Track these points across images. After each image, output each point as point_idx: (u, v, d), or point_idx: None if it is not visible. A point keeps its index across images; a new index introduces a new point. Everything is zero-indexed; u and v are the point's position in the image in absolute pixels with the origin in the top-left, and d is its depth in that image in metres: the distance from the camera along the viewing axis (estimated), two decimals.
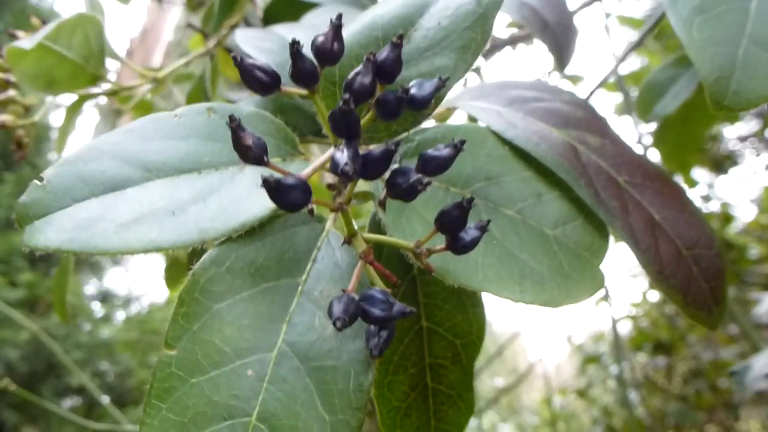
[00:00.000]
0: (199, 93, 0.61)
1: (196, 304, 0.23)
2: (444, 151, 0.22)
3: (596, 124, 0.33)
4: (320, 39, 0.23)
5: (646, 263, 0.28)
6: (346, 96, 0.20)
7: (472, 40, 0.27)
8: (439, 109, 0.35)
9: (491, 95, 0.35)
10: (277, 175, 0.22)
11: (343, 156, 0.20)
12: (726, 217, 1.61)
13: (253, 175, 0.28)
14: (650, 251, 0.28)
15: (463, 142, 0.22)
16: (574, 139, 0.31)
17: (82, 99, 0.53)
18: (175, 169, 0.27)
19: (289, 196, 0.20)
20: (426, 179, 0.21)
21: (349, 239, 0.23)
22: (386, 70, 0.22)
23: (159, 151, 0.27)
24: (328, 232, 0.25)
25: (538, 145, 0.29)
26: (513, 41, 0.46)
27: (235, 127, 0.21)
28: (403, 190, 0.21)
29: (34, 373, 2.59)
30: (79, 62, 0.48)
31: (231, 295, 0.23)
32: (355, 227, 0.24)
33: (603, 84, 0.91)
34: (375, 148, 0.21)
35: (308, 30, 0.39)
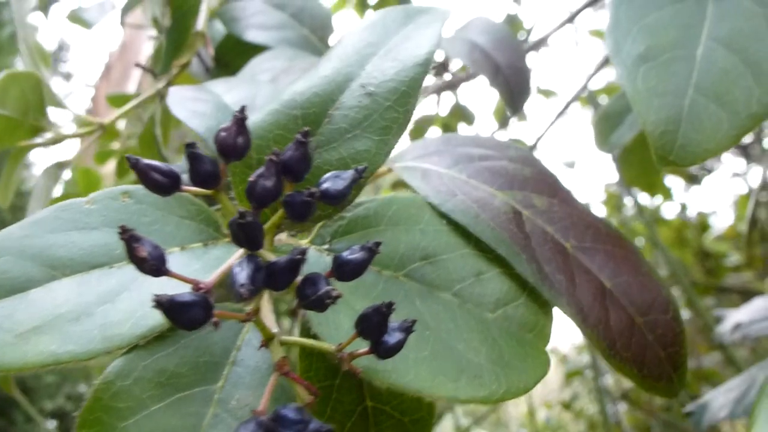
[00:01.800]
0: (151, 137, 0.59)
1: (100, 425, 0.21)
2: (358, 255, 0.20)
3: (544, 183, 0.31)
4: (222, 134, 0.21)
5: (596, 339, 0.26)
6: (242, 211, 0.18)
7: (394, 120, 0.25)
8: (381, 169, 0.34)
9: (435, 153, 0.33)
10: (179, 286, 0.20)
11: (241, 274, 0.18)
12: (703, 226, 1.61)
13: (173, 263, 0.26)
14: (600, 325, 0.26)
15: (378, 244, 0.20)
16: (520, 203, 0.29)
17: (22, 150, 0.50)
18: (84, 264, 0.25)
19: (185, 316, 0.18)
20: (335, 292, 0.19)
21: (266, 343, 0.21)
22: (292, 170, 0.20)
23: (66, 245, 0.25)
24: (249, 328, 0.23)
25: (477, 218, 0.28)
26: (455, 83, 0.44)
27: (128, 238, 0.19)
28: (311, 302, 0.19)
29: (5, 398, 2.53)
30: (16, 117, 0.46)
31: (139, 411, 0.21)
32: (275, 330, 0.22)
33: (576, 99, 0.90)
34: (280, 258, 0.19)
35: (246, 87, 0.37)
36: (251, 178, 0.20)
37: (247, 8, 0.50)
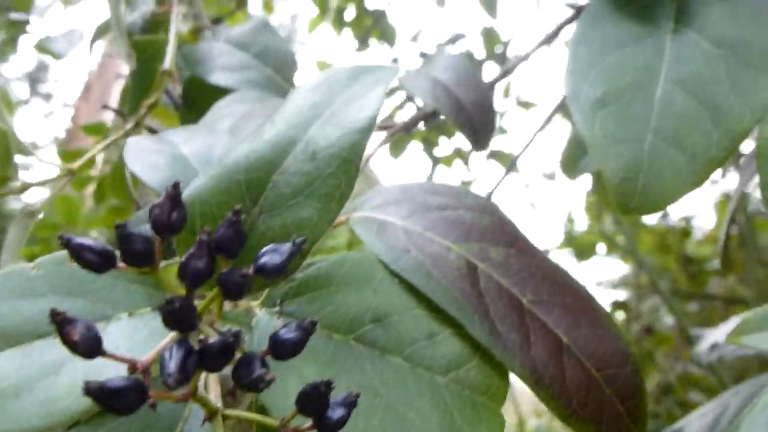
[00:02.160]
0: (122, 177, 0.58)
1: None
2: (295, 334, 0.19)
3: (502, 232, 0.31)
4: (156, 211, 0.20)
5: (551, 399, 0.25)
6: (169, 298, 0.17)
7: (335, 187, 0.24)
8: (340, 218, 0.33)
9: (393, 203, 0.32)
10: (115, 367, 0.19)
11: (169, 363, 0.17)
12: (685, 232, 1.61)
13: (115, 336, 0.25)
14: (556, 384, 0.25)
15: (314, 324, 0.19)
16: (476, 256, 0.29)
17: None
18: (28, 335, 0.24)
19: (117, 402, 0.17)
20: (269, 376, 0.18)
21: (210, 418, 0.20)
22: (225, 248, 0.20)
23: (10, 314, 0.24)
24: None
25: (429, 277, 0.27)
26: (414, 122, 0.44)
27: (59, 321, 0.18)
28: (246, 384, 0.18)
29: None
30: None
31: None
32: (218, 405, 0.21)
33: (557, 112, 0.90)
34: (213, 341, 0.18)
35: (204, 137, 0.36)
36: (182, 259, 0.19)
37: (211, 50, 0.49)
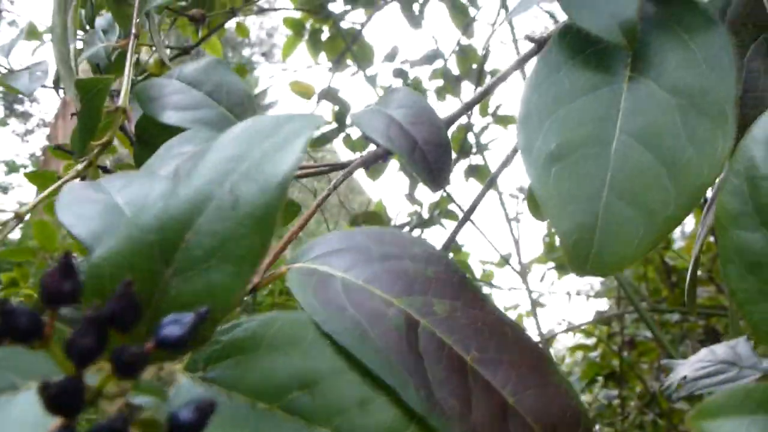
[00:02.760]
0: None
1: None
2: (193, 416, 0.17)
3: (448, 284, 0.29)
4: (46, 279, 0.18)
5: None
6: (45, 381, 0.15)
7: (250, 249, 0.22)
8: (281, 269, 0.31)
9: (336, 252, 0.30)
10: None
11: None
12: (667, 241, 1.61)
13: (22, 409, 0.22)
14: None
15: (212, 405, 0.17)
16: (418, 311, 0.27)
17: None
18: None
19: None
20: None
21: None
22: (117, 322, 0.18)
23: None
24: None
25: (364, 338, 0.25)
26: (373, 159, 0.42)
27: None
28: None
29: None
30: None
31: None
32: None
33: None
34: (101, 423, 0.16)
35: (141, 184, 0.34)
36: (68, 337, 0.17)
37: (163, 87, 0.47)
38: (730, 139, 0.27)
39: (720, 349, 0.60)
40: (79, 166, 0.52)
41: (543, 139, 0.28)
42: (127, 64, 0.56)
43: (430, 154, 0.39)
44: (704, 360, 0.59)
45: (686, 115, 0.28)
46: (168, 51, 0.86)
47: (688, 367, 0.58)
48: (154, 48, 0.85)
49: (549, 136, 0.28)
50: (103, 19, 0.75)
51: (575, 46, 0.31)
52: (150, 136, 0.51)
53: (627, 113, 0.29)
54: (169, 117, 0.46)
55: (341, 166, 0.49)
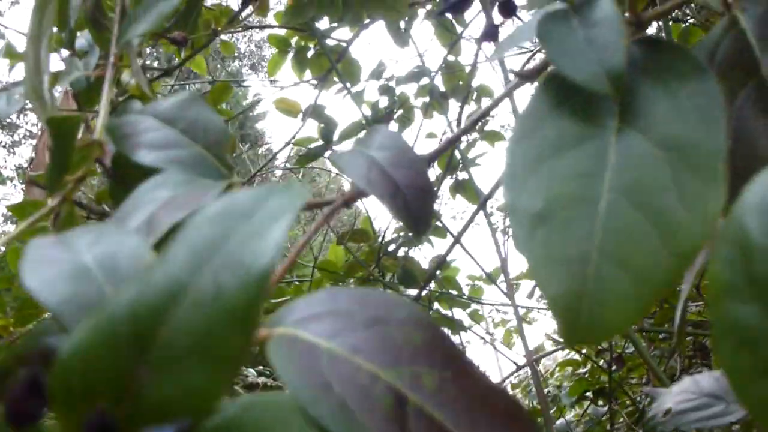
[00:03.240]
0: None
1: None
2: None
3: (437, 351, 0.27)
4: (10, 397, 0.16)
5: None
6: None
7: (229, 348, 0.20)
8: (261, 333, 0.29)
9: (317, 317, 0.28)
10: None
11: None
12: None
13: None
14: None
15: None
16: (406, 384, 0.25)
17: None
18: None
19: None
20: None
21: None
22: (18, 419, 0.16)
23: None
24: None
25: (352, 420, 0.23)
26: (352, 198, 0.40)
27: None
28: None
29: None
30: None
31: None
32: None
33: None
34: None
35: (110, 240, 0.32)
36: None
37: (138, 124, 0.45)
38: (722, 197, 0.26)
39: (704, 380, 0.59)
40: (53, 202, 0.51)
41: (528, 198, 0.27)
42: (104, 96, 0.54)
43: (413, 199, 0.38)
44: (688, 391, 0.58)
45: (676, 171, 0.27)
46: (147, 72, 0.84)
47: (672, 398, 0.57)
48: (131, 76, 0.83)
49: (534, 194, 0.27)
50: (83, 39, 0.73)
51: (561, 94, 0.30)
52: (126, 173, 0.49)
53: (615, 169, 0.27)
54: (143, 156, 0.44)
55: (327, 203, 0.48)
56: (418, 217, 0.38)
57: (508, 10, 0.30)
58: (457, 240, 0.74)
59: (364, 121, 1.40)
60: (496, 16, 0.33)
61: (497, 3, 0.30)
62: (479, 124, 1.57)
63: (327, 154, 1.38)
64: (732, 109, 0.30)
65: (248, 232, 0.23)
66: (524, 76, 0.44)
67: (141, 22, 0.49)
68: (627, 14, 0.35)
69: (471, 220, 0.66)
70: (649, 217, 0.26)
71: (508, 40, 0.32)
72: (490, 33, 0.31)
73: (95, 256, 0.31)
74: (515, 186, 0.27)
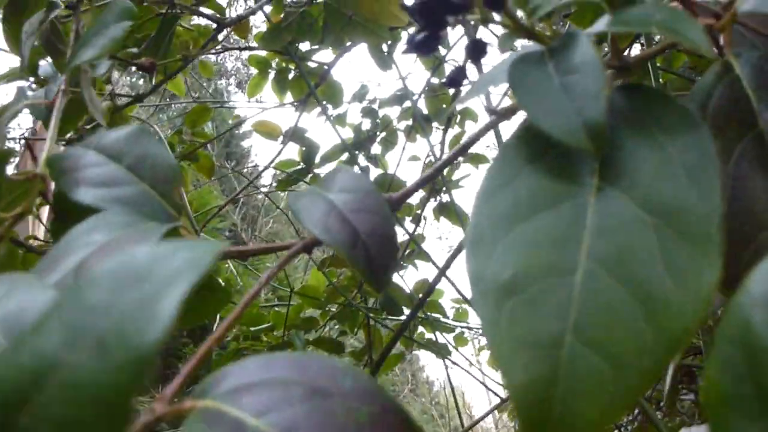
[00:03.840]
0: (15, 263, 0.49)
1: None
2: None
3: (385, 429, 0.23)
4: None
5: None
6: None
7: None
8: (185, 405, 0.25)
9: (250, 388, 0.24)
10: None
11: None
12: None
13: None
14: None
15: None
16: None
17: None
18: None
19: None
20: None
21: None
22: None
23: None
24: None
25: None
26: (310, 246, 0.37)
27: None
28: None
29: None
30: None
31: None
32: None
33: None
34: None
35: (21, 295, 0.28)
36: None
37: (80, 158, 0.41)
38: (717, 269, 0.23)
39: None
40: None
41: (495, 267, 0.23)
42: (52, 126, 0.50)
43: (374, 249, 0.34)
44: None
45: (664, 239, 0.23)
46: (117, 98, 0.80)
47: None
48: (105, 94, 0.80)
49: (502, 262, 0.23)
50: (46, 64, 0.70)
51: (534, 147, 0.26)
52: (68, 210, 0.45)
53: (594, 234, 0.24)
54: (83, 195, 0.40)
55: (284, 247, 0.44)
56: (379, 269, 0.34)
57: (477, 53, 0.27)
58: (442, 273, 0.71)
59: (343, 146, 1.37)
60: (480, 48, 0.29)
61: (466, 45, 0.27)
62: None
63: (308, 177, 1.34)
64: (727, 167, 0.26)
65: (138, 300, 0.19)
66: (500, 114, 0.40)
67: (90, 47, 0.45)
68: (608, 56, 0.32)
69: (457, 251, 0.63)
70: (633, 292, 0.22)
71: (477, 85, 0.29)
72: (455, 78, 0.27)
73: (2, 313, 0.27)
74: (481, 252, 0.24)
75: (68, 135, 0.74)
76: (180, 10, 0.78)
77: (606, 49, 0.31)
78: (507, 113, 0.39)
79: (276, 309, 1.52)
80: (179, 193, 0.40)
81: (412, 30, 1.28)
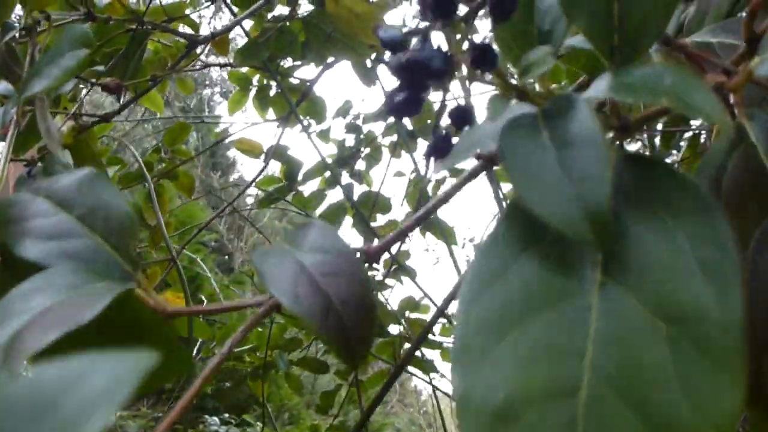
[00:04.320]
0: None
1: None
2: None
3: None
4: None
5: None
6: None
7: None
8: None
9: None
10: None
11: None
12: None
13: None
14: None
15: None
16: None
17: None
18: None
19: None
20: None
21: None
22: None
23: None
24: None
25: None
26: (267, 312, 0.33)
27: None
28: None
29: None
30: None
31: None
32: None
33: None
34: None
35: None
36: None
37: (28, 206, 0.37)
38: (740, 390, 0.19)
39: None
40: None
41: (485, 386, 0.19)
42: (2, 160, 0.46)
43: (348, 318, 0.30)
44: None
45: (679, 352, 0.20)
46: (80, 118, 0.75)
47: None
48: (68, 113, 0.75)
49: (493, 381, 0.19)
50: (2, 85, 0.65)
51: (529, 231, 0.23)
52: (14, 261, 0.40)
53: (599, 343, 0.20)
54: (29, 249, 0.35)
55: (242, 306, 0.40)
56: (355, 341, 0.30)
57: (462, 121, 0.23)
58: (441, 311, 0.68)
59: (324, 164, 1.33)
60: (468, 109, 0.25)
61: (450, 111, 0.23)
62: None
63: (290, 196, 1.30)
64: (746, 254, 0.23)
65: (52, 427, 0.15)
66: (487, 160, 0.37)
67: (43, 77, 0.41)
68: (608, 113, 0.28)
69: (455, 290, 0.60)
70: (645, 419, 0.19)
71: (460, 148, 0.25)
72: (439, 148, 0.23)
73: None
74: (468, 367, 0.20)
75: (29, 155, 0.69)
76: (150, 26, 0.74)
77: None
78: (495, 158, 0.35)
79: (259, 329, 1.48)
80: (135, 246, 0.36)
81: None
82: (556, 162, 0.22)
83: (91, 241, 0.36)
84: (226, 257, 3.79)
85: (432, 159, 0.24)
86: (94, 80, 0.70)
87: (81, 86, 0.73)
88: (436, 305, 1.21)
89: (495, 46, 0.27)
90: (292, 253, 0.33)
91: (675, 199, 0.23)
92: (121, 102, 0.79)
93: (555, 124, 0.24)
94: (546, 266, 0.22)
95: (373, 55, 1.17)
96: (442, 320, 1.84)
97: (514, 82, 0.26)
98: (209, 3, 0.92)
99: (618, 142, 0.27)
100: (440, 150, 0.24)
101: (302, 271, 0.32)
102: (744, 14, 0.28)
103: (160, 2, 0.77)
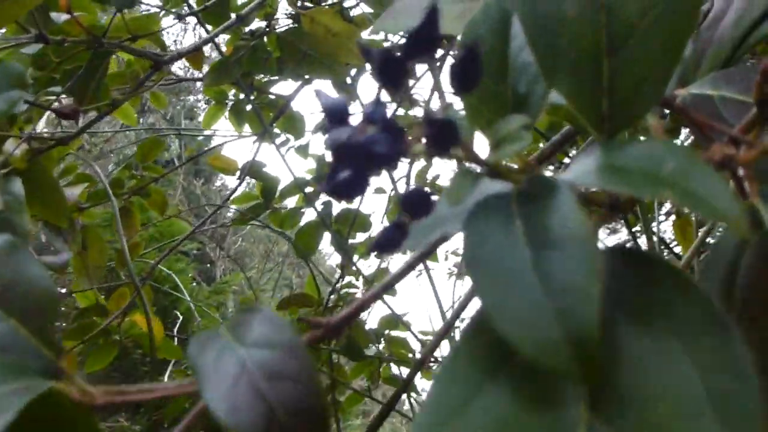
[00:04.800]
0: None
1: None
2: None
3: None
4: None
5: None
6: None
7: None
8: None
9: None
10: None
11: None
12: None
13: None
14: None
15: None
16: None
17: None
18: None
19: None
20: None
21: None
22: None
23: None
24: None
25: None
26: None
27: None
28: None
29: None
30: None
31: None
32: None
33: None
34: None
35: None
36: None
37: None
38: None
39: None
40: None
41: None
42: None
43: (292, 429, 0.25)
44: None
45: None
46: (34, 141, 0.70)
47: None
48: (22, 136, 0.70)
49: None
50: None
51: (499, 349, 0.18)
52: None
53: None
54: None
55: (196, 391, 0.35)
56: None
57: (417, 210, 0.19)
58: (436, 343, 0.65)
59: (300, 181, 1.27)
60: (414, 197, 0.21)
61: (402, 199, 0.19)
62: (428, 179, 1.47)
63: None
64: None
65: None
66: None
67: None
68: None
69: (448, 327, 0.57)
70: None
71: (417, 234, 0.21)
72: (388, 242, 0.19)
73: None
74: None
75: None
76: (110, 46, 0.68)
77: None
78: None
79: None
80: (55, 330, 0.30)
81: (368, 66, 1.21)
82: (532, 267, 0.18)
83: (6, 326, 0.31)
84: (208, 265, 3.72)
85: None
86: (48, 103, 0.65)
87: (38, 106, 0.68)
88: (413, 334, 1.18)
89: (460, 114, 0.22)
90: (233, 347, 0.28)
91: (679, 310, 0.18)
92: (79, 125, 0.74)
93: (531, 213, 0.19)
94: (518, 397, 0.17)
95: (353, 71, 1.12)
96: (424, 337, 1.80)
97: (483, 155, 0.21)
98: (176, 21, 0.87)
99: (605, 223, 0.23)
100: (388, 244, 0.19)
101: (243, 372, 0.27)
102: (750, 61, 0.24)
103: (123, 18, 0.72)
